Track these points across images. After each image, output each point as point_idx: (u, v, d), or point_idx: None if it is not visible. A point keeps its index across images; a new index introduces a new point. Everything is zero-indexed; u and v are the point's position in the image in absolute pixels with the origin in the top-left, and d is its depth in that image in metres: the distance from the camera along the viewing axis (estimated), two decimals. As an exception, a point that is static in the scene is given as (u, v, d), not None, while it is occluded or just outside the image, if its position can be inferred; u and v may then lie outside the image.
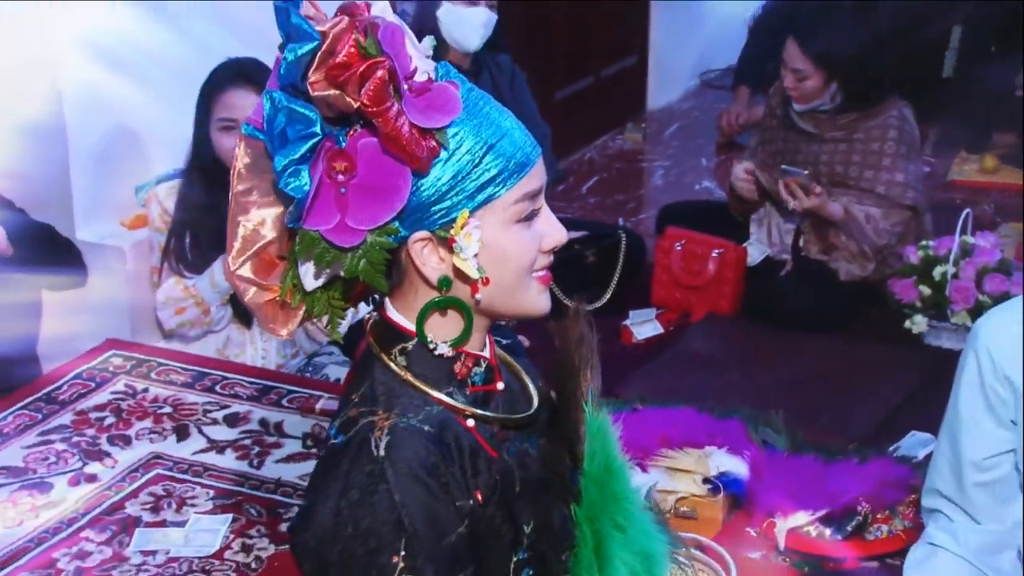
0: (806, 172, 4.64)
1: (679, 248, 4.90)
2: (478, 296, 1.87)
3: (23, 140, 4.43)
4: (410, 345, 1.91)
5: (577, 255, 4.80)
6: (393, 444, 1.82)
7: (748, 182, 4.79)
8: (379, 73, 1.72)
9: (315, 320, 1.98)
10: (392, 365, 1.91)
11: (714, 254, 4.84)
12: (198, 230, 4.24)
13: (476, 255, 1.83)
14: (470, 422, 1.92)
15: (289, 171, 1.79)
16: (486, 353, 1.98)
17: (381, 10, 1.81)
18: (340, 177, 1.78)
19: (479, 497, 1.88)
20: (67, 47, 4.42)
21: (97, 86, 4.49)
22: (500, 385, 1.99)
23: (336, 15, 1.80)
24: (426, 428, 1.84)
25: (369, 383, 1.91)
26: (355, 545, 1.79)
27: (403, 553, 1.78)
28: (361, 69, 1.72)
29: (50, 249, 4.28)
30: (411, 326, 1.91)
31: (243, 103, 4.06)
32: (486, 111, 1.85)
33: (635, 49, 6.80)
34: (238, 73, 4.12)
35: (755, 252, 4.89)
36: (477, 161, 1.81)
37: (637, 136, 6.71)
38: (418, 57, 1.80)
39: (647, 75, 6.90)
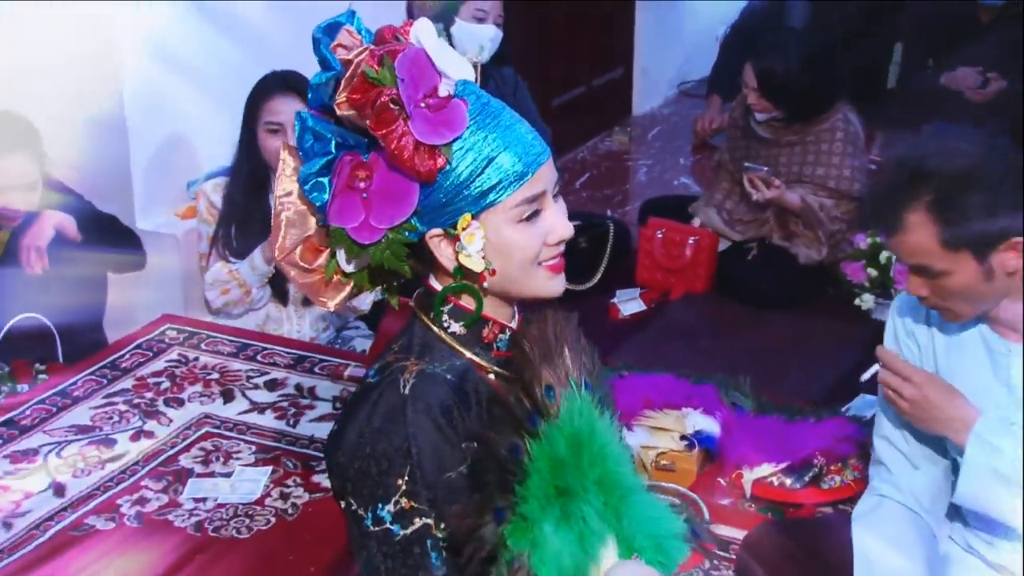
0: (766, 169, 4.66)
1: (660, 236, 4.91)
2: (486, 284, 1.90)
3: (89, 138, 4.44)
4: (447, 309, 1.94)
5: (571, 242, 4.78)
6: (417, 386, 1.85)
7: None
8: (382, 99, 1.76)
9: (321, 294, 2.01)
10: (431, 325, 1.95)
11: (690, 241, 4.84)
12: (242, 221, 4.24)
13: (482, 250, 1.85)
14: (491, 376, 1.95)
15: (311, 183, 1.86)
16: (513, 324, 2.00)
17: (421, 30, 1.82)
18: (361, 184, 1.82)
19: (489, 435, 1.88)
20: (129, 50, 4.42)
21: (155, 89, 4.50)
22: None
23: (375, 35, 1.86)
24: (448, 376, 1.88)
25: (408, 337, 1.96)
26: (370, 464, 1.84)
27: (406, 478, 1.82)
28: (370, 96, 1.77)
29: (113, 236, 4.26)
30: (448, 316, 1.95)
31: (287, 108, 4.06)
32: (498, 121, 1.85)
33: (621, 62, 6.75)
34: (283, 82, 4.10)
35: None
36: (479, 172, 1.82)
37: (623, 138, 6.66)
38: (450, 70, 1.82)
39: (632, 85, 6.85)
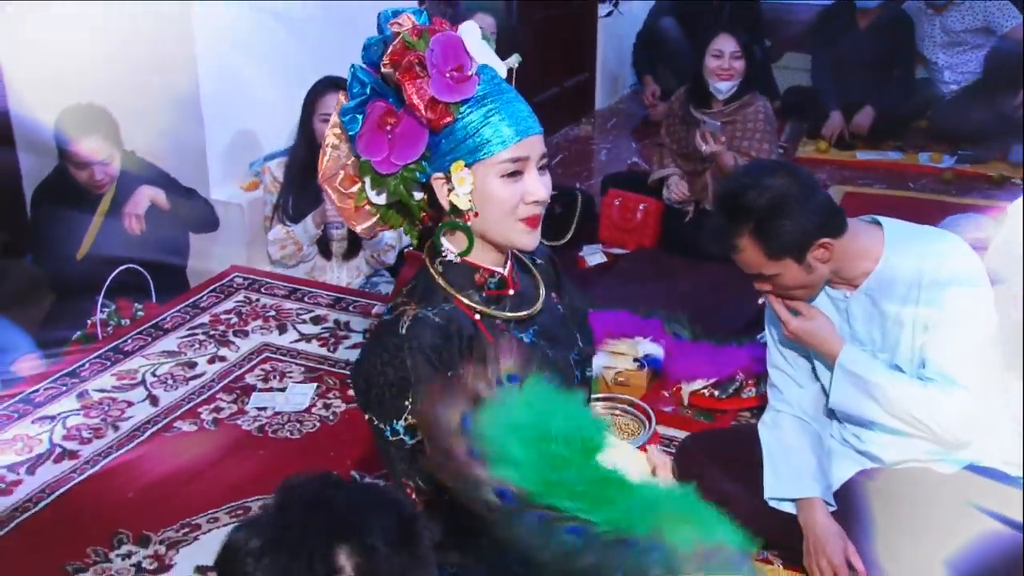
0: (719, 124, 4.62)
1: (617, 203, 4.85)
2: (470, 223, 1.89)
3: (171, 124, 4.40)
4: (447, 257, 1.93)
5: (548, 208, 4.78)
6: (411, 327, 1.85)
7: (679, 194, 4.75)
8: (410, 58, 1.81)
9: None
10: (432, 270, 1.94)
11: (641, 207, 4.80)
12: (298, 193, 4.20)
13: (470, 194, 1.85)
14: (477, 316, 1.92)
15: (348, 117, 1.91)
16: (502, 270, 1.97)
17: (467, 26, 1.87)
18: (388, 127, 1.86)
19: (466, 370, 1.87)
20: (204, 44, 4.33)
21: (226, 80, 4.41)
22: (511, 292, 1.98)
23: (430, 22, 1.89)
24: (436, 319, 1.86)
25: (415, 283, 1.95)
26: (383, 390, 1.85)
27: (410, 400, 1.83)
28: (404, 56, 1.82)
29: (194, 205, 4.27)
30: (451, 244, 1.93)
31: (335, 102, 4.05)
32: (503, 98, 1.86)
33: (586, 69, 6.74)
34: (333, 83, 4.06)
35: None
36: (477, 130, 1.83)
37: (588, 128, 6.65)
38: (480, 57, 1.86)
39: (595, 86, 6.85)
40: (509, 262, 2.00)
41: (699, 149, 4.58)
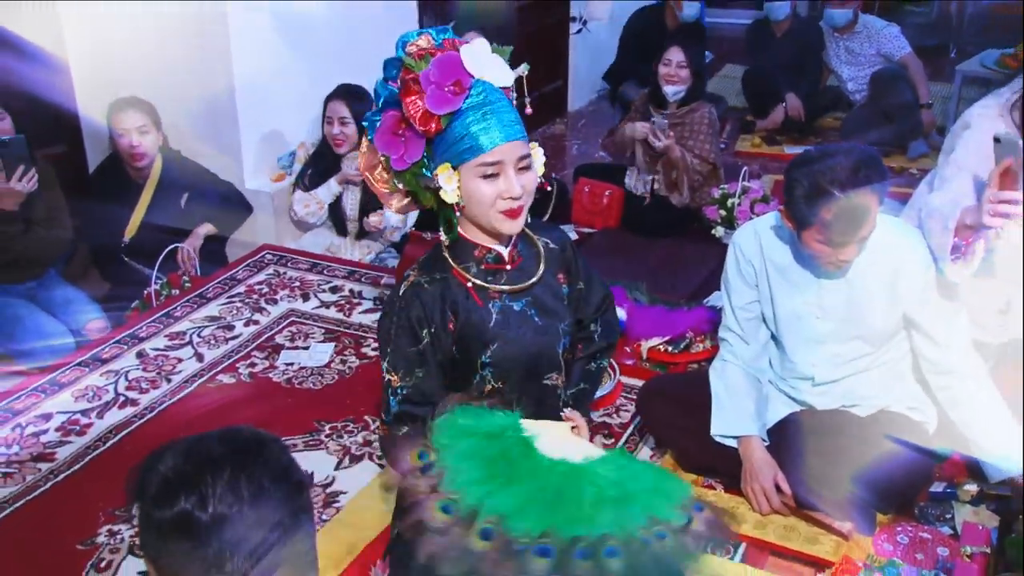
0: (667, 122, 4.59)
1: (587, 190, 4.80)
2: (459, 214, 1.93)
3: (212, 125, 4.36)
4: (454, 233, 1.96)
5: (528, 194, 4.77)
6: (405, 292, 1.94)
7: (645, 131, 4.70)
8: (410, 77, 1.83)
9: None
10: (443, 246, 1.98)
11: (606, 193, 4.75)
12: (316, 168, 4.27)
13: (458, 190, 1.86)
14: (469, 284, 1.95)
15: (368, 123, 1.93)
16: (499, 248, 1.97)
17: (469, 46, 1.86)
18: (400, 132, 1.87)
19: (451, 327, 1.95)
20: (239, 48, 4.26)
21: (258, 82, 4.35)
22: (508, 267, 1.99)
23: (443, 42, 1.88)
24: (426, 285, 1.93)
25: (429, 254, 2.01)
26: (381, 337, 1.99)
27: (389, 349, 1.95)
28: (407, 76, 1.84)
29: (232, 197, 4.27)
30: (459, 226, 1.97)
31: (336, 107, 4.10)
32: (487, 110, 1.83)
33: (560, 76, 6.70)
34: (341, 92, 4.10)
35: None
36: (460, 139, 1.82)
37: (562, 126, 6.59)
38: (479, 72, 1.84)
39: (567, 92, 6.82)
40: (512, 243, 2.00)
41: (652, 144, 4.59)
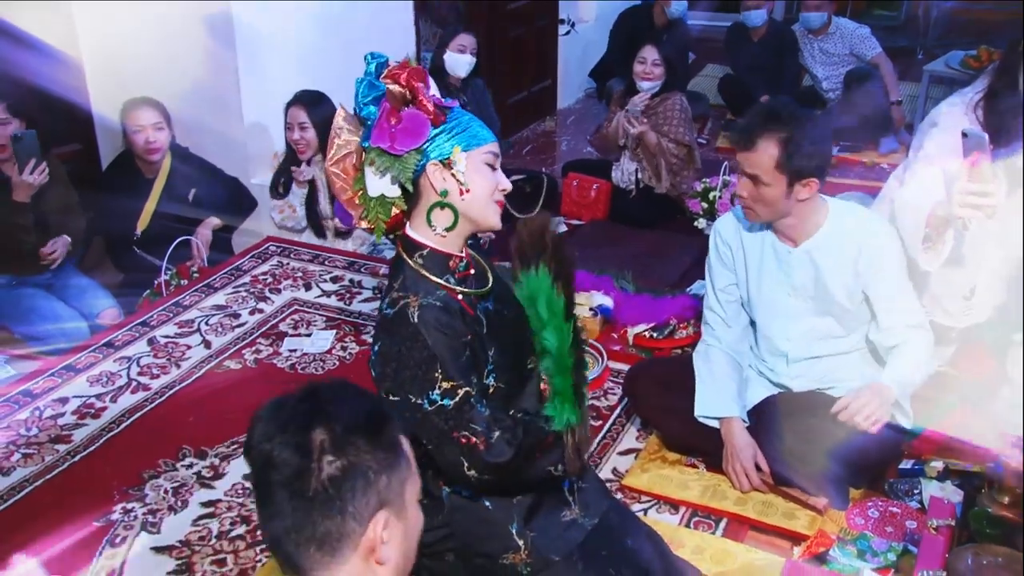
0: (640, 110, 4.62)
1: (575, 184, 4.81)
2: (462, 199, 1.84)
3: (215, 119, 4.33)
4: (425, 252, 1.85)
5: (520, 189, 4.76)
6: (422, 315, 1.76)
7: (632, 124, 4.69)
8: (419, 85, 1.81)
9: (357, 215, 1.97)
10: (413, 264, 1.84)
11: (594, 187, 4.76)
12: (285, 176, 4.21)
13: (464, 172, 1.82)
14: (460, 296, 1.85)
15: (364, 109, 1.86)
16: (463, 255, 1.90)
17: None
18: (392, 123, 1.81)
19: (469, 336, 1.82)
20: (243, 46, 4.22)
21: (264, 80, 4.32)
22: (472, 271, 1.91)
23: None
24: (438, 304, 1.78)
25: (402, 277, 1.84)
26: (415, 371, 1.75)
27: (439, 370, 1.75)
28: (407, 92, 1.81)
29: (237, 191, 4.25)
30: (424, 240, 1.85)
31: (295, 113, 4.01)
32: (468, 115, 1.88)
33: (549, 76, 6.70)
34: (297, 99, 4.02)
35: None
36: (467, 126, 1.83)
37: (551, 123, 6.57)
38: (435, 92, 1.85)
39: (556, 90, 6.81)
40: (466, 250, 1.95)
41: (627, 130, 4.60)
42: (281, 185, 4.23)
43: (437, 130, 1.83)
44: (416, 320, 1.76)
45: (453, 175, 1.83)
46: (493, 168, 1.87)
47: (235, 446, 2.84)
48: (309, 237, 4.30)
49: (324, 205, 4.20)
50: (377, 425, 1.25)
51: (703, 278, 2.86)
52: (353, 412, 1.23)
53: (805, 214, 2.51)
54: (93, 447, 2.87)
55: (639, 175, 4.75)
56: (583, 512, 1.98)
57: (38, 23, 4.08)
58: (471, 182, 1.84)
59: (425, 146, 1.82)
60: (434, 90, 1.85)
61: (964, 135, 2.30)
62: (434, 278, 1.84)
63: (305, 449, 1.19)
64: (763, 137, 2.39)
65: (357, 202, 1.90)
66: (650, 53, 4.64)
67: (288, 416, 1.23)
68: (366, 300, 3.77)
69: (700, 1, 7.27)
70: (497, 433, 1.78)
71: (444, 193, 1.84)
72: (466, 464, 1.79)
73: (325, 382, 1.30)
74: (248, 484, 2.68)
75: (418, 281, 1.83)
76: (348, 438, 1.20)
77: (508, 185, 1.88)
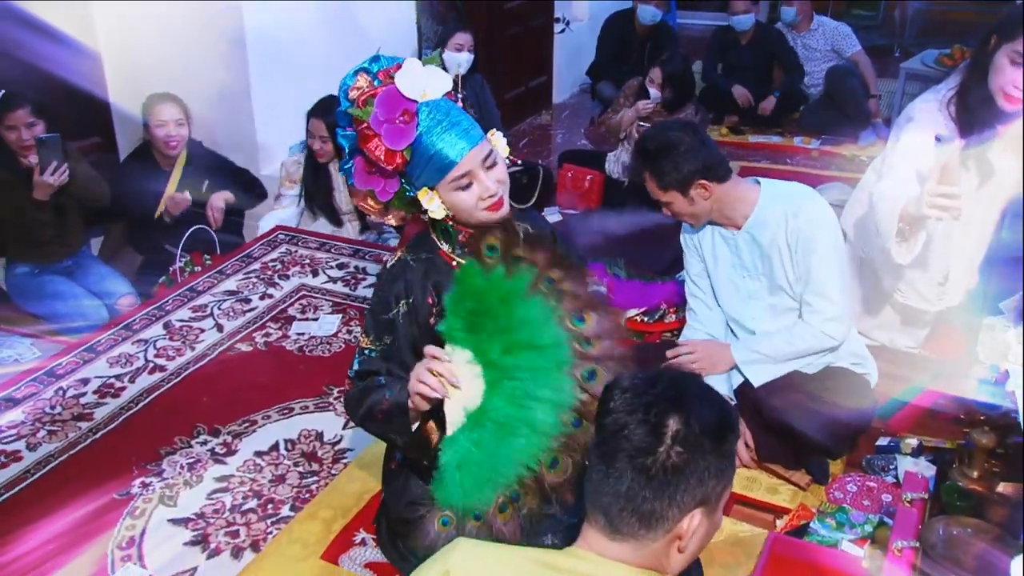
0: (651, 105, 4.55)
1: (570, 175, 4.80)
2: (450, 222, 1.87)
3: (226, 112, 4.32)
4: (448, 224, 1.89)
5: (516, 179, 4.76)
6: (392, 267, 1.92)
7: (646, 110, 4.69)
8: (362, 128, 1.77)
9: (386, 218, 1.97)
10: (433, 234, 1.93)
11: (588, 178, 4.76)
12: (312, 186, 4.16)
13: (442, 205, 1.82)
14: (454, 263, 1.89)
15: (344, 173, 1.88)
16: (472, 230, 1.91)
17: (407, 66, 1.79)
18: (372, 172, 1.83)
19: (431, 301, 1.88)
20: (253, 43, 4.19)
21: (273, 74, 4.29)
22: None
23: (380, 73, 1.81)
24: (412, 263, 1.89)
25: (417, 236, 1.96)
26: (368, 307, 1.97)
27: (367, 314, 1.94)
28: (359, 126, 1.78)
29: (247, 182, 4.24)
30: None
31: (315, 124, 3.97)
32: (441, 128, 1.78)
33: (545, 71, 6.68)
34: (316, 110, 3.97)
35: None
36: (428, 160, 1.77)
37: (547, 117, 6.58)
38: (418, 93, 1.77)
39: (552, 85, 6.80)
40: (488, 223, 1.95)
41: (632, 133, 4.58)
42: (307, 197, 4.15)
43: (407, 171, 1.82)
44: (387, 268, 1.93)
45: (431, 210, 1.84)
46: (470, 183, 1.81)
47: (246, 424, 2.84)
48: (320, 226, 4.29)
49: (340, 202, 4.18)
50: (724, 433, 1.29)
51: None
52: (709, 415, 1.27)
53: (729, 203, 2.55)
54: (113, 425, 2.88)
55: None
56: (562, 509, 1.91)
57: (58, 15, 4.07)
58: (451, 206, 1.84)
59: (404, 184, 1.84)
60: (414, 90, 1.78)
61: (937, 139, 2.30)
62: (439, 243, 1.92)
63: (659, 433, 1.24)
64: (643, 171, 2.55)
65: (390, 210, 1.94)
66: (656, 75, 4.61)
67: (653, 398, 1.27)
68: (371, 286, 3.76)
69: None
70: (360, 384, 1.93)
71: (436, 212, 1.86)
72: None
73: (693, 377, 1.35)
74: (259, 460, 2.69)
75: (424, 242, 1.93)
76: (699, 437, 1.24)
77: (491, 189, 1.82)
